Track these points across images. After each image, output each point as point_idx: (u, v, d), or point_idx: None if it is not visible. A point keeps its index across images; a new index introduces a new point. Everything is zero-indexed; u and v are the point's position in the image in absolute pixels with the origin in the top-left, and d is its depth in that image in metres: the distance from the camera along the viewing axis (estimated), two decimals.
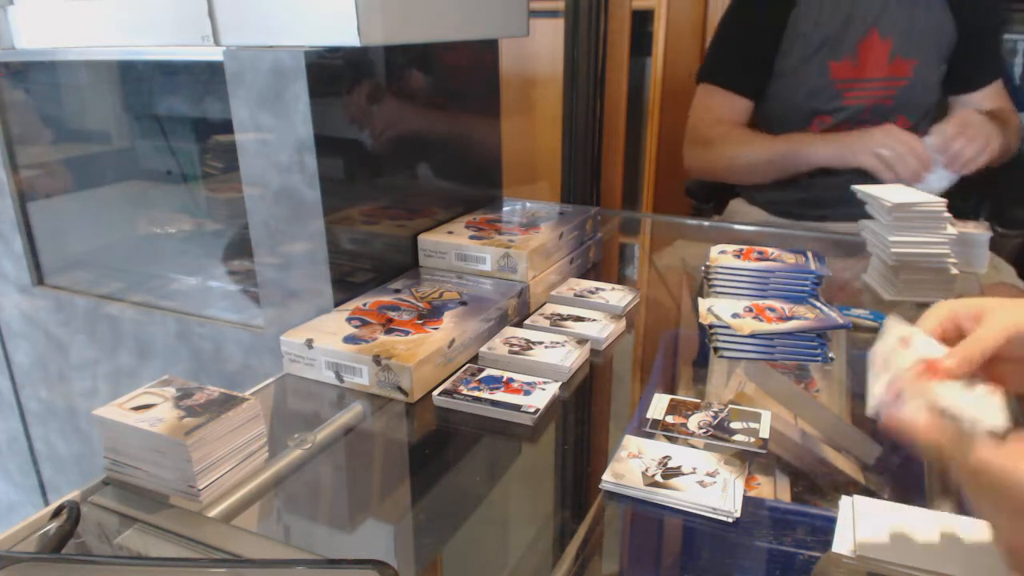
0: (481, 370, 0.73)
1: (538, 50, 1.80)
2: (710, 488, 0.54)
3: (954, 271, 0.88)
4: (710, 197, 1.56)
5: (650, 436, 0.62)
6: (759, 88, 1.32)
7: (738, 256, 0.92)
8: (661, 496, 0.54)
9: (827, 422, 0.68)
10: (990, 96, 1.33)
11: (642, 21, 1.77)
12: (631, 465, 0.57)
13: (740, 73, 1.33)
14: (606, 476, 0.56)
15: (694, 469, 0.56)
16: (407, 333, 0.74)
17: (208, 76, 0.94)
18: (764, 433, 0.61)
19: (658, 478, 0.55)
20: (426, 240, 0.95)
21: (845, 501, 0.51)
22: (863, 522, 0.48)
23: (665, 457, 0.58)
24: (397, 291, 0.86)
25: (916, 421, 0.40)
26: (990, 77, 1.33)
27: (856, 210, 0.98)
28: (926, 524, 0.49)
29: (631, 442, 0.60)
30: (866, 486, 0.59)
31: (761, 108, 1.35)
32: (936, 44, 1.27)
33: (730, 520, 0.51)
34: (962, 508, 0.54)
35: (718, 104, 1.35)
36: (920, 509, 0.51)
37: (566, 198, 1.50)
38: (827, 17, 1.24)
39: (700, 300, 0.84)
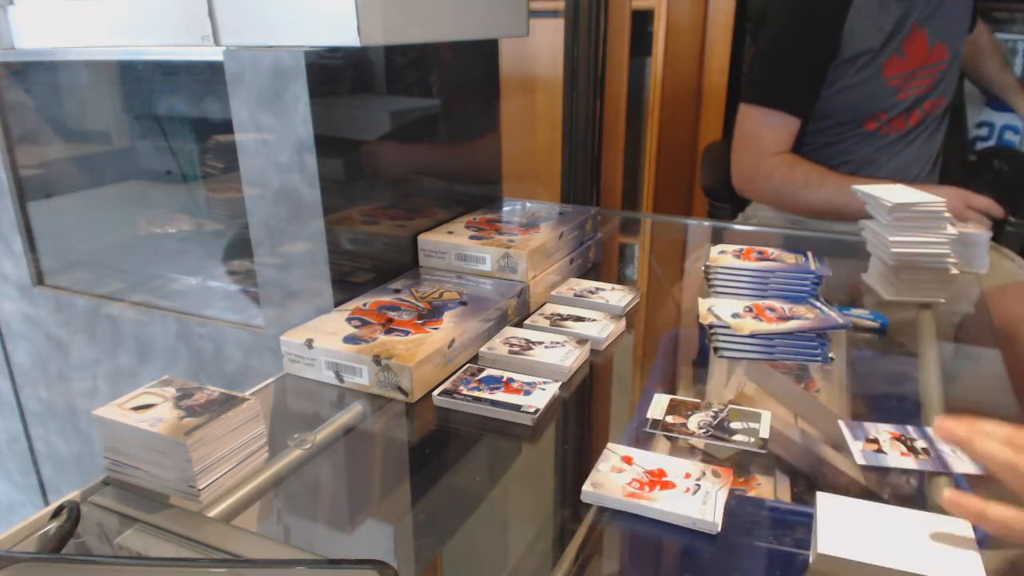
0: (481, 370, 0.73)
1: (538, 50, 1.80)
2: (692, 499, 0.53)
3: (954, 271, 0.88)
4: (728, 196, 1.56)
5: (650, 436, 0.62)
6: (813, 105, 1.30)
7: (738, 256, 0.92)
8: (640, 508, 0.53)
9: (827, 422, 0.68)
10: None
11: (642, 21, 1.77)
12: (612, 476, 0.56)
13: (797, 93, 1.30)
14: (586, 487, 0.55)
15: (675, 482, 0.55)
16: (407, 333, 0.74)
17: (208, 76, 0.95)
18: (764, 433, 0.61)
19: (638, 489, 0.54)
20: (426, 240, 0.95)
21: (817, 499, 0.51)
22: (834, 520, 0.48)
23: (649, 468, 0.57)
24: (397, 291, 0.86)
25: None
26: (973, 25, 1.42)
27: None
28: (898, 521, 0.49)
29: (614, 452, 0.59)
30: (867, 487, 0.59)
31: (812, 118, 1.32)
32: (964, 22, 1.31)
33: (712, 533, 0.51)
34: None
35: (772, 129, 1.30)
36: (890, 507, 0.50)
37: (566, 198, 1.50)
38: (879, 24, 1.24)
39: (700, 300, 0.84)
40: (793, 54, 1.31)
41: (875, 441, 0.60)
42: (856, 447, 0.59)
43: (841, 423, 0.63)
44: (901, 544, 0.46)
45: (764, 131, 1.31)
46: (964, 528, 0.47)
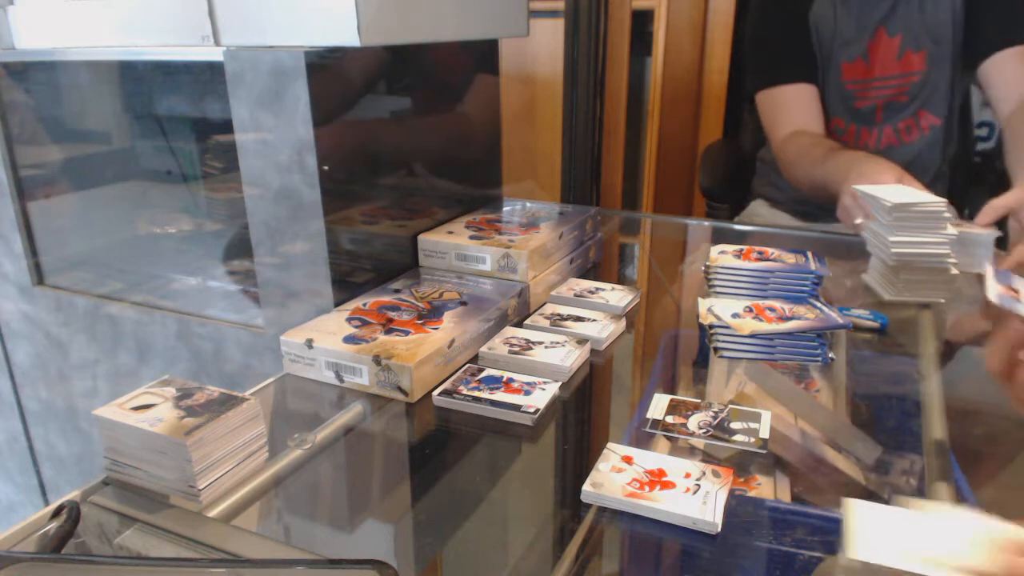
0: (481, 370, 0.73)
1: (538, 50, 1.81)
2: (692, 499, 0.53)
3: (954, 271, 0.88)
4: (726, 197, 1.56)
5: (650, 436, 0.62)
6: (815, 70, 1.24)
7: (738, 256, 0.92)
8: (641, 508, 0.53)
9: (827, 422, 0.68)
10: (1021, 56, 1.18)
11: (642, 21, 1.77)
12: (612, 476, 0.56)
13: (792, 59, 1.25)
14: (586, 487, 0.55)
15: (675, 482, 0.55)
16: (407, 333, 0.74)
17: (208, 76, 0.95)
18: (764, 433, 0.61)
19: (638, 489, 0.54)
20: (426, 240, 0.95)
21: (848, 505, 0.50)
22: (869, 528, 0.48)
23: (648, 468, 0.57)
24: (397, 291, 0.86)
25: None
26: (1014, 33, 1.17)
27: None
28: (935, 526, 0.48)
29: (614, 451, 0.59)
30: (867, 487, 0.59)
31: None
32: (949, 30, 1.22)
33: (712, 533, 0.51)
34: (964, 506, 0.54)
35: (785, 106, 1.26)
36: (926, 512, 0.50)
37: (566, 198, 1.50)
38: (840, 19, 1.22)
39: (700, 300, 0.84)
40: (772, 29, 1.29)
41: (1016, 290, 0.58)
42: (994, 288, 0.58)
43: (988, 267, 0.61)
44: (937, 551, 0.45)
45: (774, 115, 1.29)
46: None
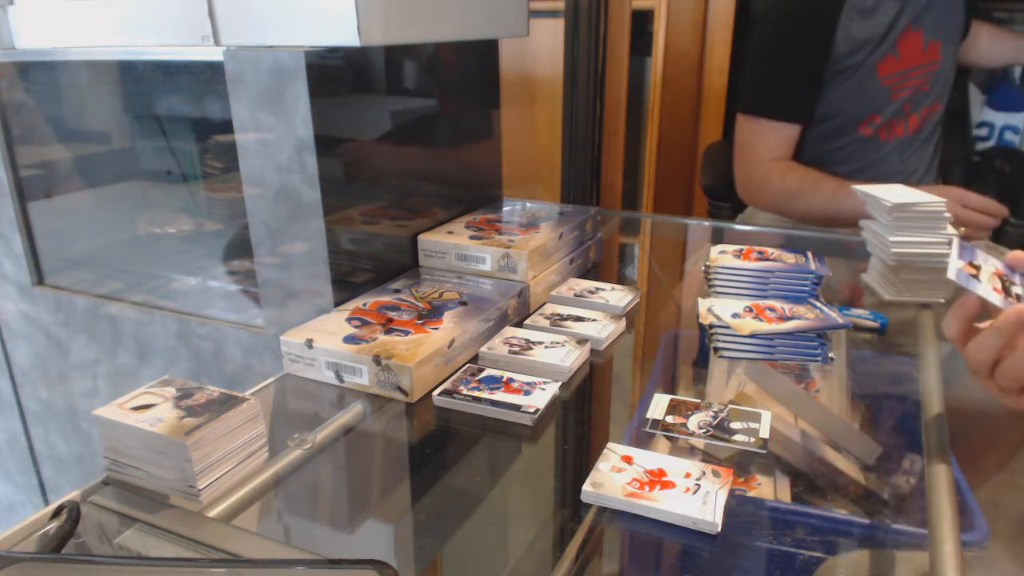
0: (481, 370, 0.73)
1: (538, 50, 1.80)
2: (692, 499, 0.53)
3: None
4: (729, 196, 1.55)
5: (650, 436, 0.62)
6: (811, 108, 1.27)
7: (738, 256, 0.92)
8: (641, 508, 0.53)
9: (827, 422, 0.68)
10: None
11: (642, 21, 1.77)
12: (612, 476, 0.56)
13: (795, 101, 1.27)
14: (586, 487, 0.55)
15: (675, 482, 0.55)
16: (407, 333, 0.74)
17: (208, 76, 0.95)
18: (764, 433, 0.61)
19: (638, 488, 0.54)
20: (426, 240, 0.95)
21: None
22: None
23: (648, 468, 0.57)
24: (397, 291, 0.86)
25: None
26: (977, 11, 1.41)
27: None
28: None
29: (614, 451, 0.59)
30: (867, 487, 0.58)
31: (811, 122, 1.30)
32: (959, 21, 1.30)
33: (712, 533, 0.51)
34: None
35: (766, 138, 1.28)
36: None
37: (566, 198, 1.50)
38: (872, 20, 1.23)
39: (700, 300, 0.84)
40: (782, 59, 1.28)
41: (977, 267, 0.58)
42: (955, 264, 0.57)
43: (955, 240, 0.60)
44: None
45: (758, 141, 1.30)
46: None
